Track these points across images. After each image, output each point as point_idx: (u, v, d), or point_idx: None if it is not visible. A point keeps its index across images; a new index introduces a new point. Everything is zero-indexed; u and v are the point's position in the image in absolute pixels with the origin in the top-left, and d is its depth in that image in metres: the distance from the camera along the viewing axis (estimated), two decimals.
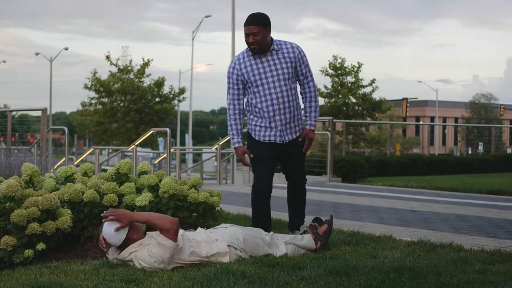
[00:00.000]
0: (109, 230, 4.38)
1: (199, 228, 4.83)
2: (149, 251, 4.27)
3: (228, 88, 5.33)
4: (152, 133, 19.31)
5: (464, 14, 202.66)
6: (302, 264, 4.32)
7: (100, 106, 36.87)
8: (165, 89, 37.33)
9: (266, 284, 3.83)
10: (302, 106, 5.50)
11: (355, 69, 35.03)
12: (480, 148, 30.59)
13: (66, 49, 52.13)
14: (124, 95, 35.85)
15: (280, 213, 6.74)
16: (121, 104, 36.23)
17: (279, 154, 5.35)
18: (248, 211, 6.04)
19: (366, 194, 10.92)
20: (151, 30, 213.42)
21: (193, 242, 4.45)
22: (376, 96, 35.18)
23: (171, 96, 37.30)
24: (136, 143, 13.38)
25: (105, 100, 36.38)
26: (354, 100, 35.12)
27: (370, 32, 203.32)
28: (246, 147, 5.36)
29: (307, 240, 4.94)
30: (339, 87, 34.89)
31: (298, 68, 5.29)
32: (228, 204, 8.32)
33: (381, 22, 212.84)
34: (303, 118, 5.45)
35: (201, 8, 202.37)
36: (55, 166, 12.65)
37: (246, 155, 5.31)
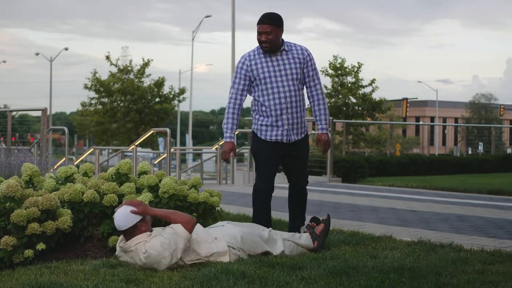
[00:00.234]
0: (124, 210, 4.44)
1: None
2: (162, 240, 4.30)
3: (234, 82, 5.34)
4: (152, 133, 19.28)
5: (464, 14, 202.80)
6: (302, 264, 4.32)
7: (100, 106, 36.87)
8: (165, 89, 37.38)
9: (266, 284, 3.83)
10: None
11: (355, 69, 35.04)
12: (480, 148, 30.60)
13: (66, 49, 52.13)
14: (124, 95, 35.85)
15: (280, 213, 6.74)
16: (121, 104, 36.24)
17: (283, 155, 5.36)
18: (248, 211, 6.04)
19: (366, 194, 10.92)
20: (151, 30, 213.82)
21: (193, 241, 4.46)
22: (376, 96, 35.24)
23: (171, 96, 37.31)
24: (136, 143, 13.37)
25: (105, 100, 36.39)
26: (354, 100, 35.12)
27: (370, 32, 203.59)
28: (249, 147, 5.36)
29: (305, 239, 4.96)
30: (339, 87, 34.89)
31: (305, 70, 5.32)
32: (228, 204, 8.32)
33: (381, 22, 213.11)
34: (315, 120, 5.47)
35: (201, 8, 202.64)
36: (55, 166, 12.63)
37: (231, 153, 5.32)
